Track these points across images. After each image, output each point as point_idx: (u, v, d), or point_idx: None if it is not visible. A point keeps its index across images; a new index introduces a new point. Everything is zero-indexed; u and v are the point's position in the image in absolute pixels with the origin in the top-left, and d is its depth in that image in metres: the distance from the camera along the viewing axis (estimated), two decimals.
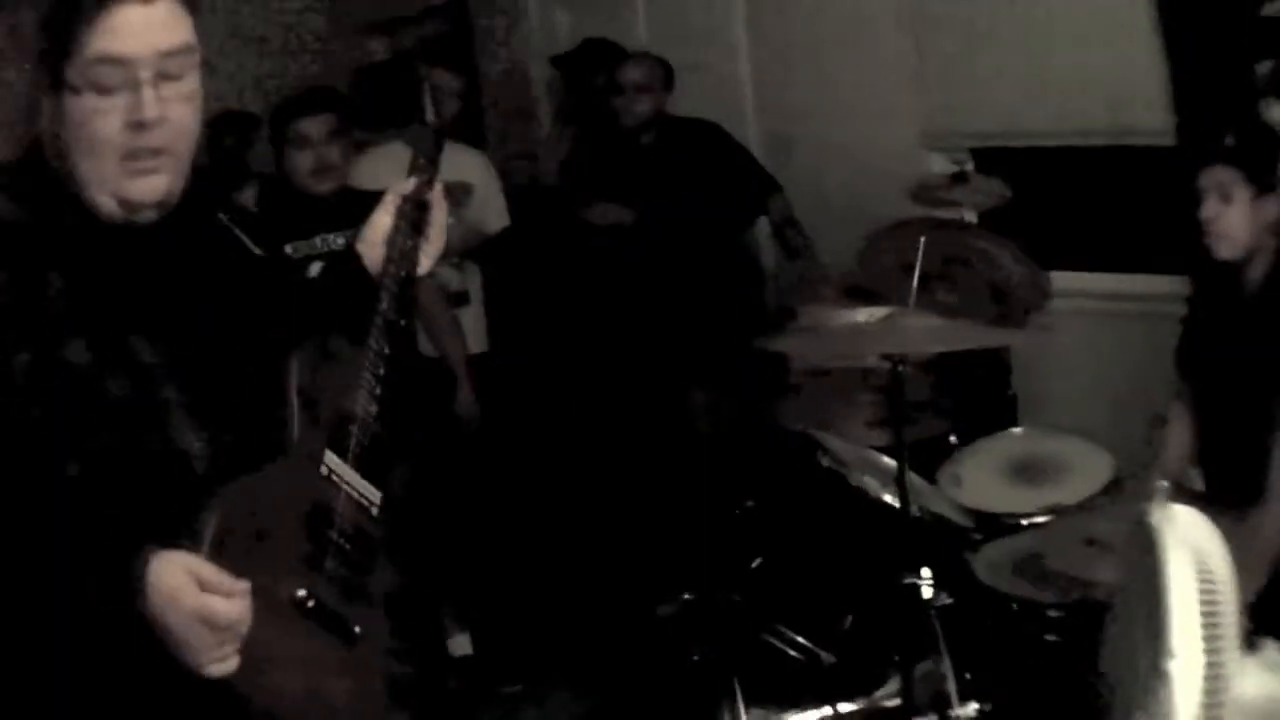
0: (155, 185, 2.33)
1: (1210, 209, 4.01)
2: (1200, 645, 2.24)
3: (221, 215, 2.65)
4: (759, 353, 4.95)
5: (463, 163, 6.38)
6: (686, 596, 4.37)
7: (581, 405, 6.32)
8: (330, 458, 2.63)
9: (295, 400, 2.63)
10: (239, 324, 2.53)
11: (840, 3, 6.71)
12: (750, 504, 4.63)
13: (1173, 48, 5.33)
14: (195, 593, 2.23)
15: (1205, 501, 3.79)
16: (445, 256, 6.26)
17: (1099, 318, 5.68)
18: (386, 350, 2.75)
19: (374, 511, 2.70)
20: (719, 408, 6.13)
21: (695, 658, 4.17)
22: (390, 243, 2.83)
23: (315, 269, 4.98)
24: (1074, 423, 4.95)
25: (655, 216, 6.37)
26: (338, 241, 5.08)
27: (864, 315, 4.78)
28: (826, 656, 4.03)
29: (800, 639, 4.05)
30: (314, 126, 5.16)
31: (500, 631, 6.04)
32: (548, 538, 6.11)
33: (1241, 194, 3.96)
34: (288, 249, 5.01)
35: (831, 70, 6.80)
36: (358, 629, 2.57)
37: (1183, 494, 3.51)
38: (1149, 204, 5.47)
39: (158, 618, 2.22)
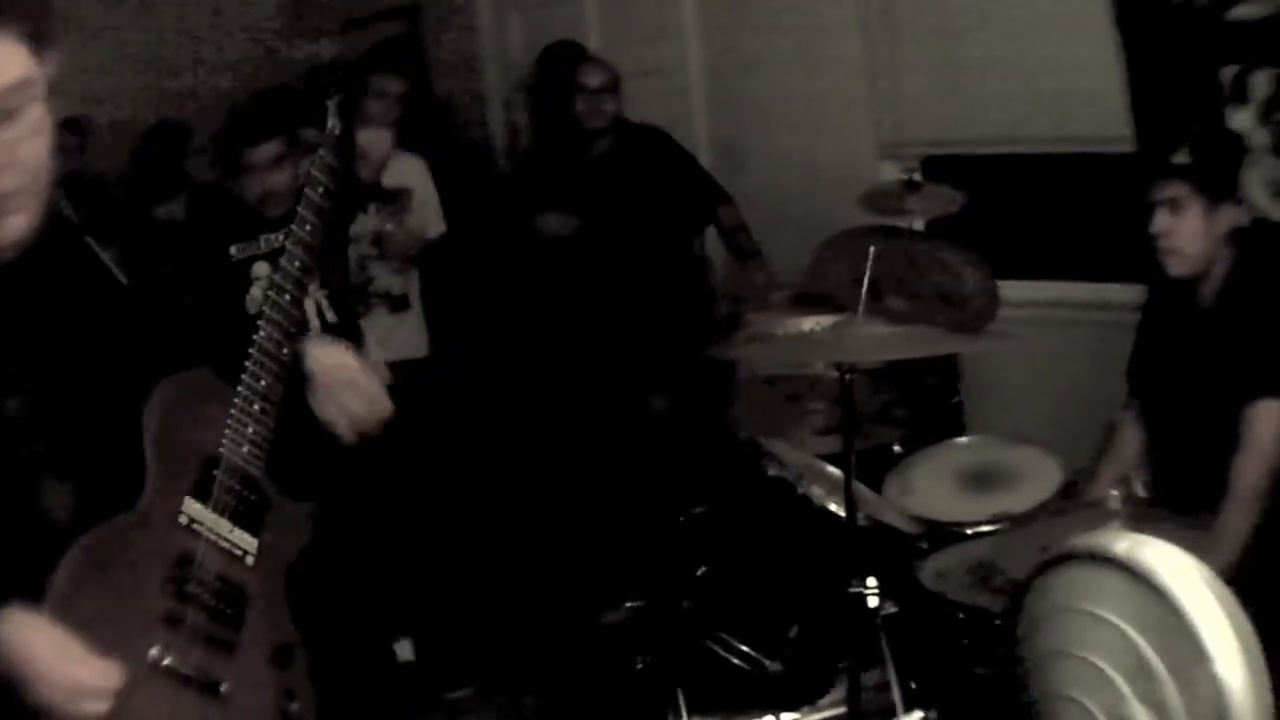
0: (15, 225, 2.17)
1: (1161, 223, 4.00)
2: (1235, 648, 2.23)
3: (89, 240, 2.53)
4: (707, 360, 4.95)
5: (403, 168, 6.38)
6: (631, 603, 4.35)
7: (524, 410, 6.32)
8: (191, 505, 2.54)
9: (150, 444, 2.51)
10: (100, 363, 2.43)
11: (793, 9, 6.70)
12: (697, 510, 4.61)
13: (1132, 53, 5.32)
14: (50, 656, 2.20)
15: (1151, 506, 3.81)
16: (386, 261, 6.30)
17: (1049, 325, 5.66)
18: (264, 384, 2.66)
19: (248, 560, 2.62)
20: (665, 414, 6.13)
21: (640, 665, 4.15)
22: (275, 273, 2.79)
23: (260, 269, 4.99)
24: (1023, 430, 4.95)
25: (606, 222, 6.36)
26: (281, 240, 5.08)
27: (812, 323, 4.76)
28: (772, 665, 4.01)
29: (745, 647, 4.03)
30: (261, 154, 5.04)
31: (444, 637, 6.01)
32: (492, 542, 6.09)
33: (1194, 207, 3.96)
34: (231, 250, 5.03)
35: (783, 77, 6.79)
36: (224, 685, 2.49)
37: (1129, 500, 3.49)
38: (1104, 211, 5.47)
39: (17, 677, 2.18)
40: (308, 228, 2.85)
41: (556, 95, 6.84)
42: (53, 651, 2.21)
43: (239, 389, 2.63)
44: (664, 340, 5.97)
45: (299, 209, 2.87)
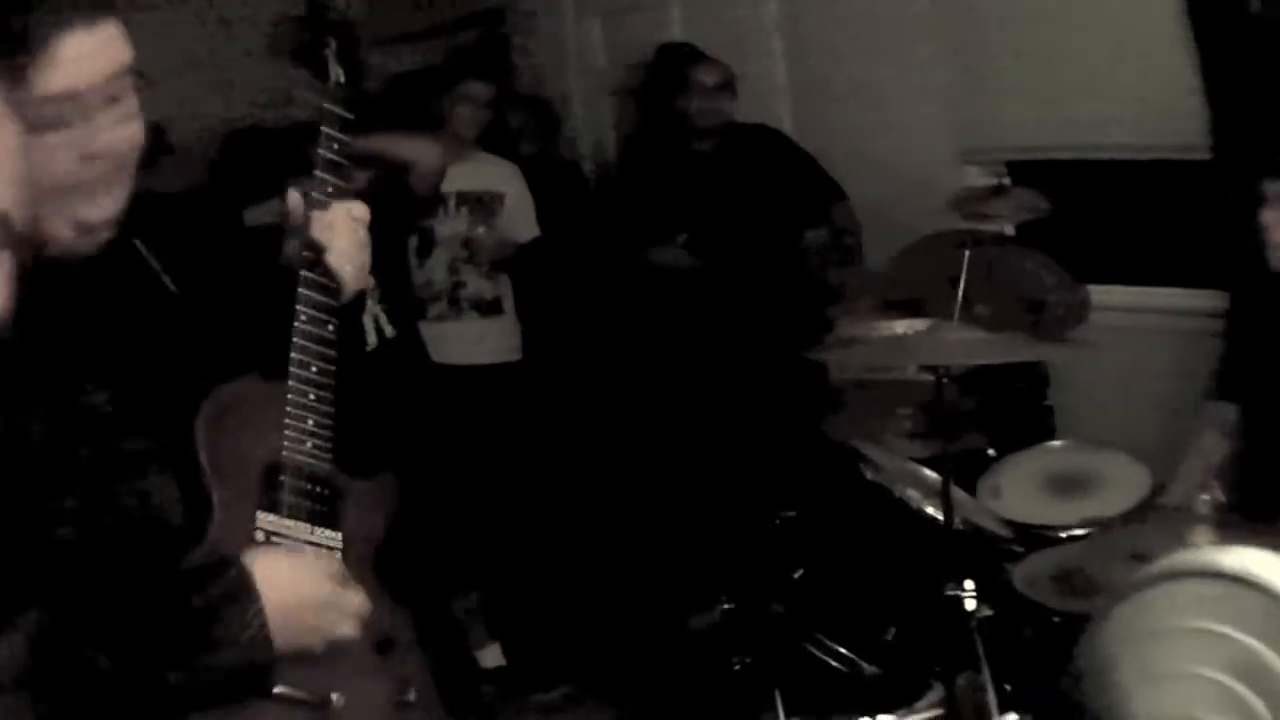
0: (114, 201, 2.21)
1: (1272, 215, 3.98)
2: None
3: (138, 244, 2.44)
4: (802, 362, 4.97)
5: (494, 173, 6.43)
6: (726, 606, 4.37)
7: (620, 414, 6.32)
8: (265, 519, 2.48)
9: (207, 471, 2.41)
10: (167, 365, 2.41)
11: (879, 14, 6.72)
12: (790, 514, 4.64)
13: (1208, 60, 5.33)
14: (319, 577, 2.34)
15: (1229, 512, 3.80)
16: (476, 265, 6.33)
17: (1135, 331, 5.67)
18: (314, 370, 2.57)
19: (336, 556, 2.57)
20: (762, 416, 6.11)
21: (736, 667, 4.18)
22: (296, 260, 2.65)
23: None
24: (1111, 436, 4.95)
25: (714, 222, 6.39)
26: None
27: (904, 327, 4.80)
28: (868, 667, 4.04)
29: (842, 649, 4.07)
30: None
31: (535, 642, 6.05)
32: (586, 546, 6.11)
33: None
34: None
35: (869, 81, 6.80)
36: (335, 696, 2.44)
37: (1216, 506, 3.50)
38: (1186, 218, 5.48)
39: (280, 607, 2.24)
40: (329, 190, 2.69)
41: (669, 95, 6.88)
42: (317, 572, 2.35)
43: (290, 383, 2.55)
44: (772, 342, 5.96)
45: (315, 172, 2.71)
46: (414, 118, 6.30)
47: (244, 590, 2.22)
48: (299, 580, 2.33)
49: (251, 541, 2.43)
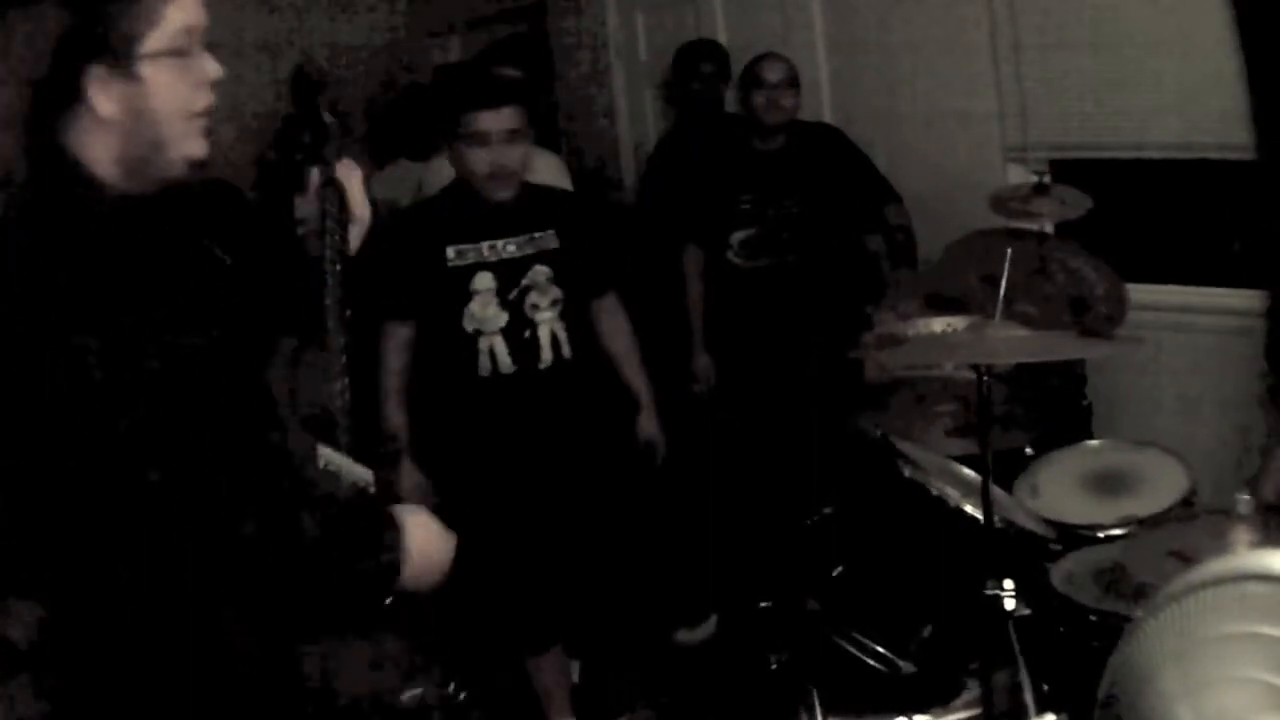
0: (199, 146, 2.46)
1: None
2: None
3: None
4: (842, 359, 4.96)
5: (538, 165, 6.42)
6: (764, 604, 4.37)
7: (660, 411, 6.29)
8: (324, 450, 2.77)
9: (285, 403, 2.72)
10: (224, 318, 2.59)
11: (920, 10, 6.71)
12: (828, 510, 4.64)
13: (1253, 61, 5.31)
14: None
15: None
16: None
17: (1174, 330, 5.66)
18: (344, 340, 2.90)
19: (370, 490, 2.85)
20: (804, 413, 6.08)
21: (773, 665, 4.18)
22: (318, 230, 2.96)
23: (484, 280, 5.01)
24: (1148, 434, 4.94)
25: (777, 218, 6.42)
26: (508, 249, 5.09)
27: (944, 324, 4.79)
28: (905, 665, 4.04)
29: (879, 647, 4.06)
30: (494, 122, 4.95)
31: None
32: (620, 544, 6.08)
33: None
34: (449, 252, 5.00)
35: (910, 78, 6.80)
36: None
37: (1259, 507, 3.48)
38: (1228, 218, 5.47)
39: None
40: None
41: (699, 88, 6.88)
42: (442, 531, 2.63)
43: (330, 343, 2.91)
44: (820, 339, 5.94)
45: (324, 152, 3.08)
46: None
47: (390, 523, 2.53)
48: (431, 534, 2.61)
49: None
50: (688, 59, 7.25)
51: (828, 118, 7.11)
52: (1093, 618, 3.87)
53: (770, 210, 6.44)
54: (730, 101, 7.08)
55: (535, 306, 5.08)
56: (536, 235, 5.13)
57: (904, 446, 4.50)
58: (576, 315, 5.21)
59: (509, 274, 5.05)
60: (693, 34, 7.62)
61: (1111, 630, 3.76)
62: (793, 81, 6.48)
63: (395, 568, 2.48)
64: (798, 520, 4.67)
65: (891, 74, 6.90)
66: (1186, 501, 4.43)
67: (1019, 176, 6.14)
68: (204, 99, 2.43)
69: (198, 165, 2.46)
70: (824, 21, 7.27)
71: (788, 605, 4.35)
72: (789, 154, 6.51)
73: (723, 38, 7.59)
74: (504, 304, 5.04)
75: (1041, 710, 3.69)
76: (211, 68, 2.42)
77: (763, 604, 4.39)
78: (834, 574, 4.28)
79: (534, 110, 5.09)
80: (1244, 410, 5.23)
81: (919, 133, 6.75)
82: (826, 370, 5.60)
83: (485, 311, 4.98)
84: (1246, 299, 5.51)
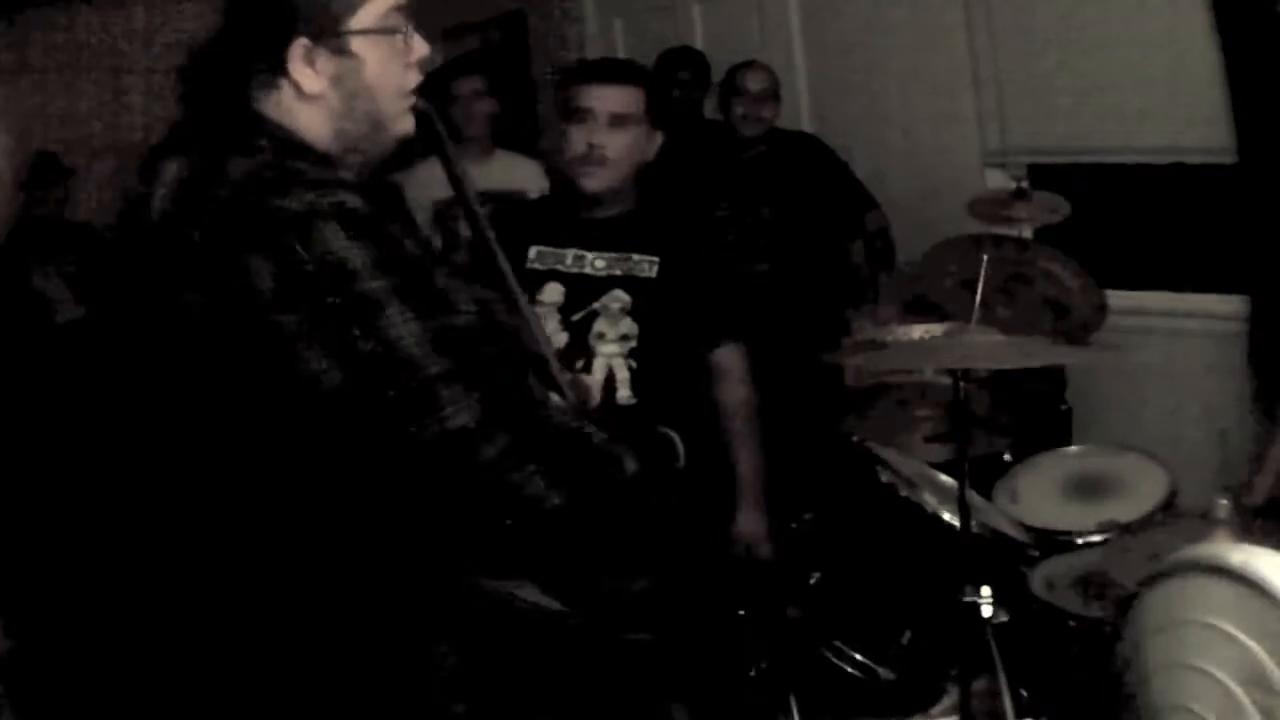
0: (409, 125, 2.56)
1: None
2: None
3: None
4: (819, 365, 4.93)
5: (516, 171, 6.41)
6: (741, 611, 4.35)
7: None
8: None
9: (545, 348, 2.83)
10: None
11: (898, 15, 6.71)
12: (807, 517, 4.62)
13: (1233, 65, 5.31)
14: None
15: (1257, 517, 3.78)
16: None
17: (1154, 335, 5.67)
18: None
19: None
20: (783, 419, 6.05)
21: (752, 672, 4.15)
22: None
23: (553, 292, 4.26)
24: (1130, 439, 4.94)
25: (758, 226, 6.40)
26: (596, 264, 4.30)
27: (922, 330, 4.78)
28: (884, 672, 4.02)
29: (858, 654, 4.05)
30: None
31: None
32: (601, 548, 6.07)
33: None
34: (530, 253, 4.30)
35: (889, 84, 6.81)
36: None
37: (1237, 510, 3.48)
38: (1208, 223, 5.46)
39: None
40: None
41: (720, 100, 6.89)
42: None
43: (520, 297, 2.87)
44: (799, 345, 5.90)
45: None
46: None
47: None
48: None
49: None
50: (666, 66, 7.23)
51: (806, 123, 7.12)
52: (1072, 623, 3.87)
53: (747, 217, 6.40)
54: (709, 108, 7.06)
55: (600, 336, 4.24)
56: (635, 257, 4.30)
57: (882, 452, 4.49)
58: (654, 361, 4.29)
59: (580, 291, 4.27)
60: (671, 41, 7.61)
61: (1091, 636, 3.79)
62: (774, 93, 6.48)
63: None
64: (778, 526, 4.64)
65: (870, 80, 6.90)
66: (1167, 506, 4.42)
67: (998, 182, 6.15)
68: (415, 77, 2.50)
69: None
70: (802, 28, 7.27)
71: (766, 612, 4.31)
72: (767, 162, 6.49)
73: (701, 45, 7.58)
74: (566, 324, 4.24)
75: (1020, 716, 3.68)
76: (421, 47, 2.48)
77: (740, 611, 4.35)
78: (811, 581, 4.27)
79: (656, 102, 4.30)
80: (1225, 415, 5.23)
81: (898, 139, 6.76)
82: (806, 376, 5.55)
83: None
84: (1228, 304, 5.51)
